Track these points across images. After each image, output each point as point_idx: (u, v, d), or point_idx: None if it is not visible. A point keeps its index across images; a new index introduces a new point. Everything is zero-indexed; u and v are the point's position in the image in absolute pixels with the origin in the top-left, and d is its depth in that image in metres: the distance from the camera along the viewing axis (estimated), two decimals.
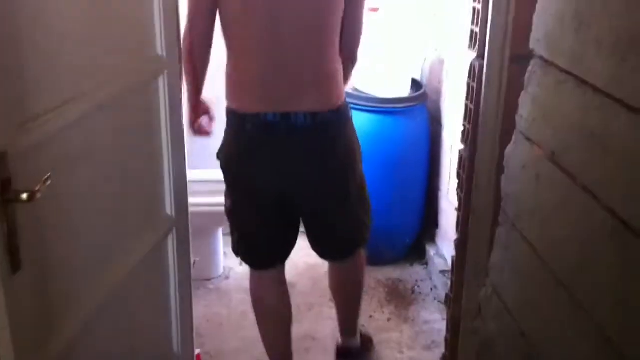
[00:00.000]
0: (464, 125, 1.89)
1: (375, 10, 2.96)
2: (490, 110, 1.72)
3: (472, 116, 1.84)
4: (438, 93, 3.08)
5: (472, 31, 1.84)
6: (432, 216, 3.16)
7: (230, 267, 3.07)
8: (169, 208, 1.87)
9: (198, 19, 1.97)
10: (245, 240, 2.13)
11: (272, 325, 2.23)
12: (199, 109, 2.12)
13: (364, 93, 2.99)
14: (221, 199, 2.16)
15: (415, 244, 3.19)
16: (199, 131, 2.13)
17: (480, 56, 1.74)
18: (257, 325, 2.24)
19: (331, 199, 2.06)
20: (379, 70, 2.97)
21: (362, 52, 2.17)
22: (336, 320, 2.42)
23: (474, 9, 1.85)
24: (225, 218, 2.16)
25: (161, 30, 1.72)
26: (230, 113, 2.01)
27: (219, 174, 2.11)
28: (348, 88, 2.31)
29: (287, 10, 1.91)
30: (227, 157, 2.04)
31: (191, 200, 2.00)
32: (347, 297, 2.32)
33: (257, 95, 1.96)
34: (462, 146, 1.92)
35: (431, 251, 3.11)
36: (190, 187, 1.99)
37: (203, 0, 1.96)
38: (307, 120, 1.94)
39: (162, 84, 1.78)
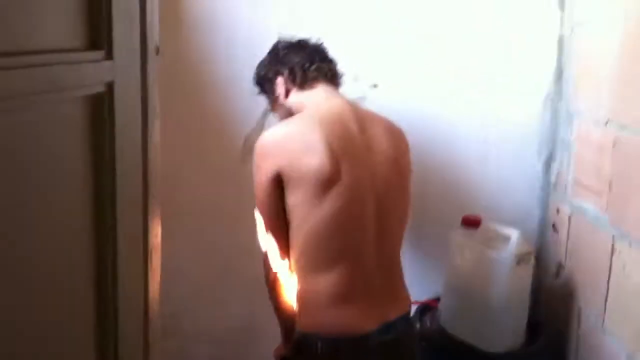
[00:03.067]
0: None
1: (476, 223, 2.17)
2: None
3: None
4: (562, 335, 2.18)
5: None
6: None
7: None
8: None
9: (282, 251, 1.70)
10: None
11: None
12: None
13: (459, 342, 2.13)
14: None
15: None
16: None
17: None
18: None
19: None
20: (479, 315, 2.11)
21: None
22: None
23: None
24: None
25: None
26: (314, 342, 1.65)
27: None
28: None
29: (384, 196, 1.73)
30: None
31: None
32: None
33: (360, 309, 1.66)
34: None
35: None
36: None
37: (280, 230, 1.69)
38: (403, 325, 1.75)
39: None
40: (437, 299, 2.29)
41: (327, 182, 1.62)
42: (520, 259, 2.04)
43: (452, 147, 2.45)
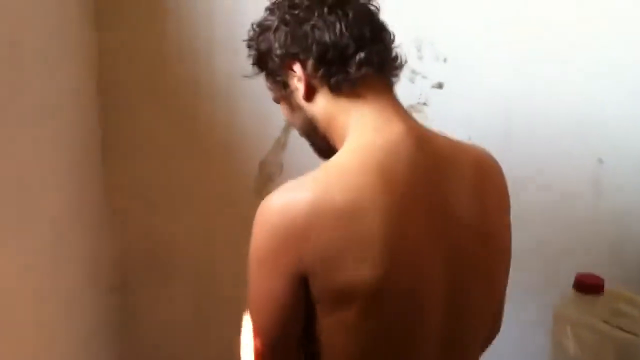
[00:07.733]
0: None
1: (595, 288, 1.61)
2: None
3: None
4: None
5: None
6: None
7: None
8: None
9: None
10: None
11: None
12: None
13: None
14: None
15: None
16: None
17: None
18: None
19: None
20: None
21: None
22: None
23: None
24: None
25: None
26: None
27: None
28: None
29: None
30: None
31: None
32: None
33: None
34: None
35: None
36: None
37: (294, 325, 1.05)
38: None
39: None
40: None
41: (377, 294, 1.00)
42: None
43: (558, 181, 1.90)
